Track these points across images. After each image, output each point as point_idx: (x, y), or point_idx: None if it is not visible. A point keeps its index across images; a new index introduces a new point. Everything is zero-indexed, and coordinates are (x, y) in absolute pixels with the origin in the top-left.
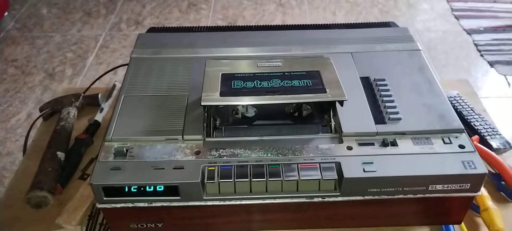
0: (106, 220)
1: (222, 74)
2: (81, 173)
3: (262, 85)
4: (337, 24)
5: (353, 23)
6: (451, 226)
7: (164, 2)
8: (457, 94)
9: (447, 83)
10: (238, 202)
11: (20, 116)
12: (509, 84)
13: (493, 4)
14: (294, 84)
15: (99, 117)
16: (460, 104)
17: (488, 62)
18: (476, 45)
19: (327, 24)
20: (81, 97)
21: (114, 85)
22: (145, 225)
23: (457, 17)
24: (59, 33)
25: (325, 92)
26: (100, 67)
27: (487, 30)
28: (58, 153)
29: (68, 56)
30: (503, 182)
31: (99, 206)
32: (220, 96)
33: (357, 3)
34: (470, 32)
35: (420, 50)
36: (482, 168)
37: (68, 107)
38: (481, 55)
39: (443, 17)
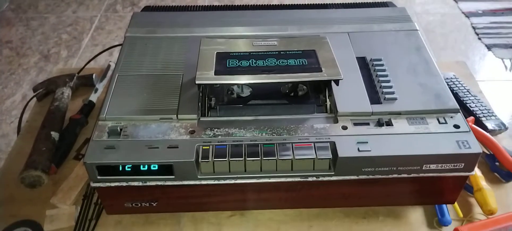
0: (100, 199)
1: (217, 53)
2: (75, 153)
3: (257, 64)
4: (334, 4)
5: (351, 3)
6: (444, 205)
7: None
8: (454, 75)
9: (444, 65)
10: (232, 181)
11: (15, 97)
12: (506, 67)
13: None
14: (289, 63)
15: (93, 97)
16: (456, 86)
17: (486, 45)
18: (474, 28)
19: (324, 4)
20: (75, 77)
21: (109, 66)
22: (139, 204)
23: (455, 0)
24: (54, 15)
25: (321, 71)
26: (96, 48)
27: (485, 13)
28: (52, 133)
29: (63, 37)
30: (497, 163)
31: (93, 185)
32: (214, 75)
33: None
34: (468, 15)
35: (417, 30)
36: (476, 147)
37: (62, 88)
38: (479, 39)
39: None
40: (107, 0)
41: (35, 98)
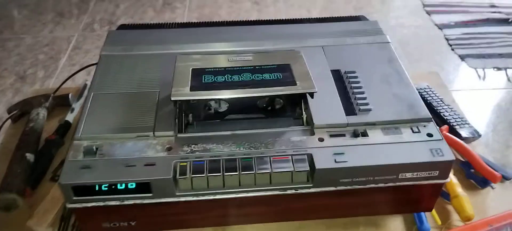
0: (77, 221)
1: (192, 69)
2: (51, 175)
3: (233, 79)
4: (309, 18)
5: (324, 18)
6: (422, 213)
7: (138, 1)
8: (427, 86)
9: (418, 75)
10: (211, 197)
11: None
12: (479, 77)
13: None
14: (264, 77)
15: (70, 117)
16: (430, 96)
17: (459, 56)
18: (447, 39)
19: (298, 18)
20: (51, 98)
21: (86, 85)
22: (118, 224)
23: (428, 13)
24: (30, 35)
25: (295, 84)
26: (73, 68)
27: (457, 24)
28: (27, 154)
29: (40, 58)
30: (472, 170)
31: (69, 206)
32: (190, 91)
33: (332, 0)
34: (441, 26)
35: (389, 42)
36: (449, 155)
37: (37, 108)
38: (452, 49)
39: (415, 13)
40: (85, 20)
41: (9, 120)
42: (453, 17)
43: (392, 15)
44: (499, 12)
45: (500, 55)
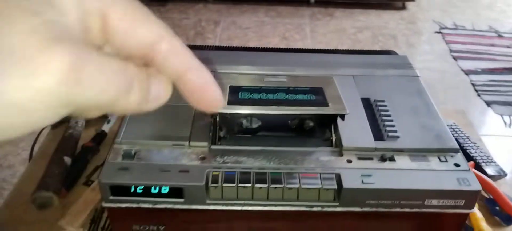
0: (109, 220)
1: (230, 86)
2: (86, 179)
3: (268, 97)
4: (340, 49)
5: (355, 50)
6: None
7: (172, 29)
8: (454, 123)
9: (444, 113)
10: (240, 208)
11: None
12: (505, 123)
13: (491, 47)
14: (298, 97)
15: (106, 128)
16: (456, 133)
17: (485, 101)
18: (473, 85)
19: (329, 49)
20: None
21: None
22: (147, 228)
23: (455, 58)
24: None
25: (328, 106)
26: None
27: (484, 71)
28: (65, 157)
29: None
30: (497, 207)
31: (104, 205)
32: (227, 104)
33: (358, 40)
34: (467, 72)
35: (418, 76)
36: (476, 185)
37: (76, 118)
38: (478, 95)
39: (442, 57)
40: None
41: (49, 127)
42: (480, 64)
43: (419, 58)
44: None
45: None
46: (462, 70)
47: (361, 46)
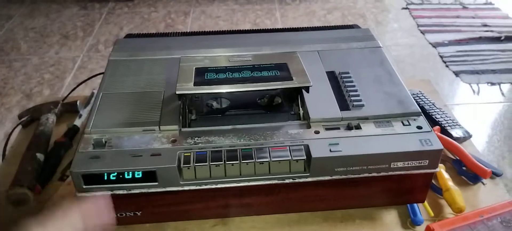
0: None
1: (196, 68)
2: (60, 175)
3: (234, 76)
4: (304, 27)
5: (320, 26)
6: (415, 205)
7: (142, 24)
8: (419, 91)
9: (410, 82)
10: (213, 186)
11: None
12: (474, 91)
13: (456, 19)
14: (263, 74)
15: (78, 122)
16: (422, 100)
17: (454, 72)
18: (441, 57)
19: (295, 27)
20: (60, 104)
21: (93, 93)
22: (124, 214)
23: (422, 32)
24: (36, 56)
25: (292, 79)
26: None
27: (451, 42)
28: (37, 154)
29: (46, 77)
30: (464, 167)
31: (79, 195)
32: (194, 86)
33: (328, 21)
34: (435, 45)
35: (381, 47)
36: (437, 144)
37: (47, 114)
38: (447, 66)
39: (409, 32)
40: (90, 41)
41: (20, 126)
42: (447, 36)
43: (387, 36)
44: (491, 31)
45: (493, 71)
46: (430, 43)
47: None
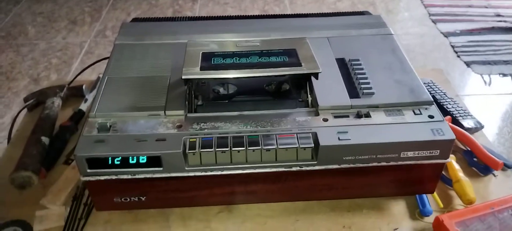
0: (90, 194)
1: (202, 52)
2: (65, 158)
3: (241, 61)
4: (315, 13)
5: (330, 13)
6: (424, 196)
7: (149, 10)
8: (431, 80)
9: (422, 72)
10: (219, 173)
11: (4, 119)
12: (485, 82)
13: (468, 9)
14: (271, 60)
15: (83, 107)
16: (433, 90)
17: (465, 62)
18: (452, 47)
19: (305, 13)
20: (65, 88)
21: (99, 77)
22: (128, 199)
23: (434, 21)
24: (44, 41)
25: (301, 66)
26: (86, 71)
27: (463, 32)
28: (43, 137)
29: (53, 62)
30: (475, 159)
31: (83, 178)
32: (200, 70)
33: (338, 9)
34: (446, 35)
35: (392, 34)
36: (450, 134)
37: (52, 98)
38: (458, 56)
39: (421, 21)
40: (97, 27)
41: (25, 109)
42: (459, 25)
43: (398, 25)
44: (505, 21)
45: (506, 62)
46: (441, 32)
47: None
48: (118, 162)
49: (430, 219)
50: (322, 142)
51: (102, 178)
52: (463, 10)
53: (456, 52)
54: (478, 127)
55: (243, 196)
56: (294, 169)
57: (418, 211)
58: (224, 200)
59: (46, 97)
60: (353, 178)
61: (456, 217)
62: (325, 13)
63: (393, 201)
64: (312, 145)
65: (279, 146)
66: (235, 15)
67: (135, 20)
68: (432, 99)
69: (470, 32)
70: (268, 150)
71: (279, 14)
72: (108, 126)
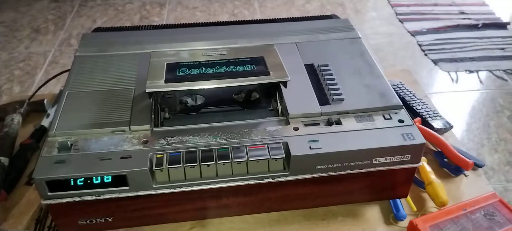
0: (52, 218)
1: (167, 63)
2: (27, 179)
3: (208, 71)
4: (282, 18)
5: (298, 17)
6: (398, 201)
7: (115, 16)
8: (400, 82)
9: (391, 72)
10: (189, 188)
11: None
12: (452, 79)
13: (434, 7)
14: (239, 69)
15: (45, 122)
16: (403, 91)
17: (432, 60)
18: (420, 45)
19: (272, 18)
20: (25, 103)
21: (61, 91)
22: (94, 221)
23: (401, 21)
24: (5, 51)
25: (269, 74)
26: (50, 82)
27: (429, 31)
28: (1, 158)
29: (16, 73)
30: (445, 159)
31: (44, 202)
32: (165, 83)
33: (307, 11)
34: (414, 33)
35: (360, 37)
36: (420, 138)
37: (12, 114)
38: (425, 55)
39: (388, 21)
40: (61, 35)
41: None
42: (425, 24)
43: (367, 25)
44: (469, 19)
45: (472, 59)
46: (408, 31)
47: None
48: (81, 183)
49: (404, 223)
50: (294, 151)
51: (65, 200)
52: (429, 9)
53: (423, 50)
54: (448, 127)
55: (215, 210)
56: (266, 181)
57: (392, 216)
58: (195, 215)
59: (5, 114)
60: (326, 187)
61: (429, 221)
62: (293, 17)
63: (367, 206)
64: (284, 156)
65: (250, 158)
66: (203, 22)
67: (97, 30)
68: (402, 104)
69: (436, 30)
70: (239, 162)
71: (247, 20)
72: (69, 145)
